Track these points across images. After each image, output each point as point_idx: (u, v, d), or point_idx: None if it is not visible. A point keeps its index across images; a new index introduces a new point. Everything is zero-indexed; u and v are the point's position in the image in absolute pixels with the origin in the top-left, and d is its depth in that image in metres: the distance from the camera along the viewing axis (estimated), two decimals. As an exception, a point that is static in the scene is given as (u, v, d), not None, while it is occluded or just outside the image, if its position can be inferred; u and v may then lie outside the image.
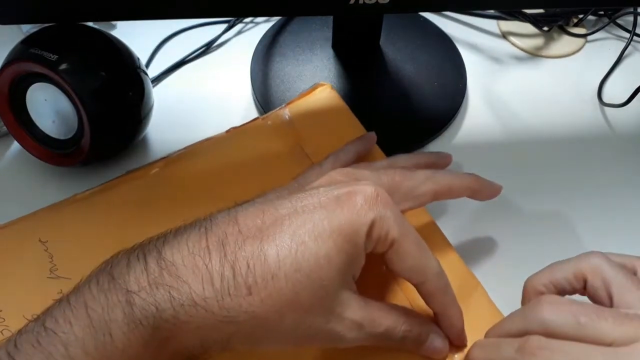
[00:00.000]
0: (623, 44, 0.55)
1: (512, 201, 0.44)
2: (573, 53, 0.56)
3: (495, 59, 0.55)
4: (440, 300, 0.29)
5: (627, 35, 0.56)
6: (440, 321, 0.30)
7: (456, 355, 0.31)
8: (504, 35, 0.57)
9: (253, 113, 0.49)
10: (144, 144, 0.46)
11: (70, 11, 0.38)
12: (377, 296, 0.31)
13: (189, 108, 0.49)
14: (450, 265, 0.35)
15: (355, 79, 0.50)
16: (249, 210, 0.26)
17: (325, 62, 0.51)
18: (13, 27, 0.52)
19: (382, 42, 0.52)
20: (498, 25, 0.58)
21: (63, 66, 0.37)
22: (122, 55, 0.41)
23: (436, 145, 0.48)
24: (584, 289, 0.29)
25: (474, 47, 0.56)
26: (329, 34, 0.52)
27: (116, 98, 0.40)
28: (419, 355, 0.30)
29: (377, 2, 0.40)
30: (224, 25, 0.55)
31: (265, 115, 0.42)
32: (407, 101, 0.49)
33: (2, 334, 0.33)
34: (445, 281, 0.29)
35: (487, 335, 0.30)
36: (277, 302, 0.24)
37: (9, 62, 0.38)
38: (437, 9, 0.54)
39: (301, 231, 0.25)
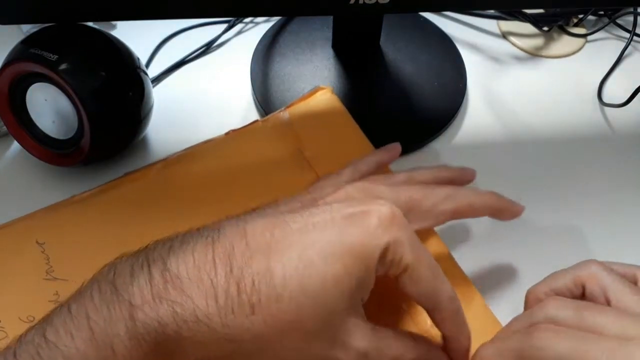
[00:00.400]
0: (623, 44, 0.55)
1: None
2: (573, 53, 0.56)
3: (495, 59, 0.55)
4: (451, 325, 0.28)
5: (627, 35, 0.56)
6: (449, 343, 0.29)
7: None
8: (504, 35, 0.57)
9: (253, 113, 0.49)
10: (144, 144, 0.46)
11: (70, 11, 0.39)
12: (382, 315, 0.30)
13: (188, 108, 0.49)
14: (446, 270, 0.35)
15: (356, 78, 0.50)
16: (259, 223, 0.25)
17: (326, 62, 0.51)
18: (13, 27, 0.52)
19: (382, 42, 0.53)
20: (498, 25, 0.58)
21: (63, 66, 0.37)
22: (122, 55, 0.41)
23: (436, 145, 0.48)
24: (582, 295, 0.29)
25: (474, 47, 0.56)
26: (329, 34, 0.52)
27: (116, 98, 0.40)
28: None
29: (377, 2, 0.40)
30: (224, 25, 0.55)
31: (265, 118, 0.42)
32: (407, 101, 0.49)
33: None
34: (458, 306, 0.28)
35: (494, 338, 0.29)
36: (280, 323, 0.24)
37: (9, 62, 0.38)
38: (437, 9, 0.54)
39: (310, 251, 0.24)
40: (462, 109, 0.50)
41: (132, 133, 0.43)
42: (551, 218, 0.43)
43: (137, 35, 0.49)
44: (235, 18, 0.55)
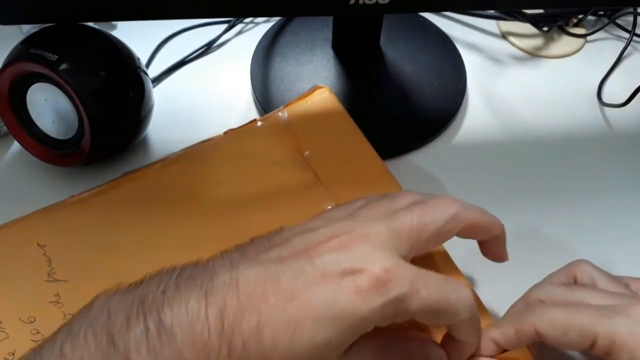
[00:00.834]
0: (623, 44, 0.55)
1: (511, 201, 0.44)
2: (573, 53, 0.56)
3: (495, 59, 0.55)
4: (466, 333, 0.28)
5: (627, 35, 0.56)
6: (456, 345, 0.29)
7: None
8: (504, 36, 0.57)
9: (253, 113, 0.49)
10: (144, 144, 0.47)
11: (71, 11, 0.39)
12: None
13: (189, 108, 0.49)
14: (439, 266, 0.35)
15: (355, 79, 0.50)
16: (251, 275, 0.25)
17: (325, 63, 0.51)
18: (13, 27, 0.52)
19: (382, 42, 0.53)
20: (498, 25, 0.58)
21: (63, 66, 0.37)
22: (122, 55, 0.41)
23: (436, 145, 0.48)
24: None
25: (473, 48, 0.56)
26: (329, 34, 0.52)
27: (116, 98, 0.40)
28: None
29: (377, 2, 0.40)
30: (224, 26, 0.55)
31: (263, 117, 0.42)
32: (407, 101, 0.49)
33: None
34: (475, 314, 0.27)
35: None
36: None
37: (9, 62, 0.38)
38: (437, 9, 0.55)
39: (300, 312, 0.24)
40: (461, 109, 0.50)
41: (133, 133, 0.43)
42: (550, 218, 0.43)
43: (137, 36, 0.49)
44: (236, 18, 0.55)
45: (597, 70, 0.54)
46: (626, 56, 0.55)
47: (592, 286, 0.31)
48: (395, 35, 0.53)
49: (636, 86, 0.49)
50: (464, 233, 0.30)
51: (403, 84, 0.50)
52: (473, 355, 0.29)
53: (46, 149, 0.42)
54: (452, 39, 0.55)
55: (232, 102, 0.50)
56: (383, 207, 0.29)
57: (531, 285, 0.33)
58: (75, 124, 0.40)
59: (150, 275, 0.26)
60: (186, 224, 0.37)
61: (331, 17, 0.51)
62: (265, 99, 0.49)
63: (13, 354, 0.32)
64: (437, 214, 0.28)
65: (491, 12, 0.57)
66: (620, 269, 0.40)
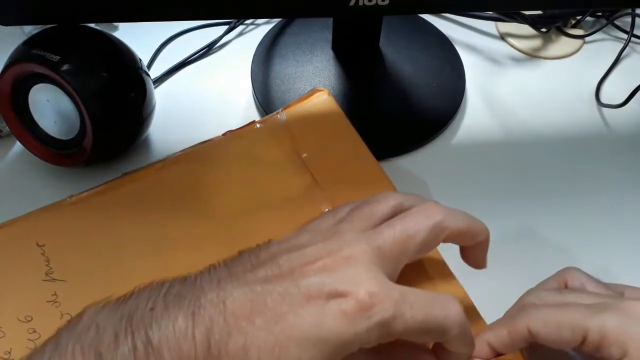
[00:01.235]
0: (621, 45, 0.56)
1: (510, 201, 0.44)
2: (571, 54, 0.56)
3: (494, 60, 0.55)
4: (458, 345, 0.27)
5: (625, 36, 0.56)
6: (446, 354, 0.29)
7: None
8: (502, 37, 0.57)
9: (254, 114, 0.50)
10: (145, 144, 0.47)
11: (73, 12, 0.39)
12: None
13: (190, 109, 0.50)
14: (432, 269, 0.35)
15: (355, 79, 0.51)
16: (238, 296, 0.25)
17: (325, 64, 0.51)
18: (15, 28, 0.52)
19: (382, 43, 0.53)
20: (496, 26, 0.58)
21: (65, 67, 0.38)
22: (124, 56, 0.41)
23: (435, 146, 0.48)
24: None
25: (472, 49, 0.56)
26: (329, 35, 0.52)
27: (118, 99, 0.40)
28: None
29: (376, 3, 0.40)
30: (225, 27, 0.55)
31: (261, 119, 0.42)
32: (406, 102, 0.50)
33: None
34: (466, 327, 0.27)
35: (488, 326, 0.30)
36: None
37: (12, 63, 0.39)
38: (436, 11, 0.55)
39: (285, 335, 0.24)
40: (460, 109, 0.50)
41: (134, 134, 0.43)
42: (549, 218, 0.43)
43: (139, 37, 0.49)
44: (236, 20, 0.56)
45: (596, 71, 0.54)
46: (624, 57, 0.56)
47: (582, 289, 0.31)
48: (394, 37, 0.54)
49: (634, 87, 0.50)
50: (448, 239, 0.29)
51: (402, 84, 0.51)
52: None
53: (48, 149, 0.42)
54: (451, 40, 0.55)
55: (233, 102, 0.50)
56: (365, 216, 0.29)
57: (527, 285, 0.33)
58: (77, 125, 0.40)
59: (139, 288, 0.26)
60: (185, 224, 0.37)
61: (331, 19, 0.51)
62: (265, 100, 0.49)
63: (9, 352, 0.32)
64: (420, 224, 0.28)
65: (490, 13, 0.57)
66: (619, 268, 0.40)
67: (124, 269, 0.35)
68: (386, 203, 0.30)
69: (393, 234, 0.28)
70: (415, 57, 0.53)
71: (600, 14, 0.59)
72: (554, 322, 0.27)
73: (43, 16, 0.39)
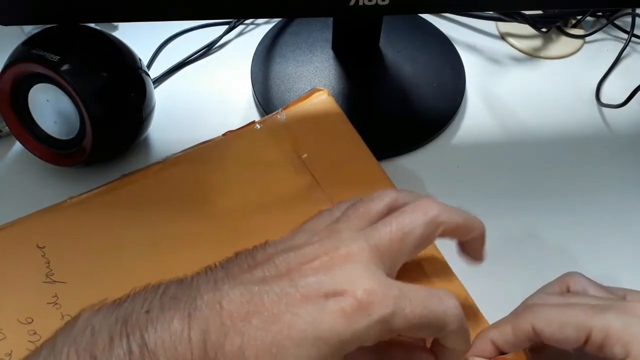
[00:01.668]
0: (621, 45, 0.56)
1: (510, 201, 0.44)
2: (571, 54, 0.56)
3: (494, 60, 0.55)
4: (455, 342, 0.28)
5: (625, 36, 0.56)
6: (446, 352, 0.29)
7: None
8: (503, 37, 0.57)
9: (254, 114, 0.50)
10: (145, 144, 0.47)
11: (72, 12, 0.39)
12: None
13: (190, 109, 0.50)
14: (433, 268, 0.35)
15: (355, 79, 0.51)
16: (234, 297, 0.25)
17: (325, 63, 0.51)
18: (15, 28, 0.52)
19: (382, 43, 0.53)
20: (496, 26, 0.58)
21: (65, 67, 0.38)
22: (123, 56, 0.41)
23: (435, 146, 0.48)
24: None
25: (472, 48, 0.56)
26: (329, 35, 0.52)
27: (118, 99, 0.40)
28: None
29: (376, 3, 0.40)
30: (225, 27, 0.55)
31: (261, 120, 0.42)
32: (407, 102, 0.50)
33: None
34: (463, 322, 0.27)
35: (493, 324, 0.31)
36: None
37: (11, 63, 0.39)
38: (436, 11, 0.55)
39: (282, 335, 0.24)
40: (460, 109, 0.50)
41: (134, 133, 0.43)
42: (549, 217, 0.43)
43: (138, 37, 0.49)
44: (236, 19, 0.56)
45: (596, 70, 0.54)
46: (624, 57, 0.56)
47: (584, 293, 0.31)
48: (394, 37, 0.54)
49: (634, 87, 0.50)
50: (445, 234, 0.29)
51: (402, 84, 0.51)
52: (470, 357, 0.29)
53: (48, 149, 0.42)
54: (451, 40, 0.55)
55: (233, 102, 0.50)
56: (361, 214, 0.29)
57: (529, 285, 0.33)
58: (77, 125, 0.40)
59: (135, 291, 0.26)
60: (185, 225, 0.37)
61: (331, 19, 0.51)
62: (265, 100, 0.49)
63: (10, 354, 0.32)
64: (415, 220, 0.28)
65: (490, 13, 0.57)
66: (619, 268, 0.40)
67: (125, 270, 0.35)
68: (381, 200, 0.30)
69: (389, 231, 0.27)
70: (415, 57, 0.53)
71: (600, 13, 0.59)
72: (558, 321, 0.27)
73: (43, 16, 0.39)
